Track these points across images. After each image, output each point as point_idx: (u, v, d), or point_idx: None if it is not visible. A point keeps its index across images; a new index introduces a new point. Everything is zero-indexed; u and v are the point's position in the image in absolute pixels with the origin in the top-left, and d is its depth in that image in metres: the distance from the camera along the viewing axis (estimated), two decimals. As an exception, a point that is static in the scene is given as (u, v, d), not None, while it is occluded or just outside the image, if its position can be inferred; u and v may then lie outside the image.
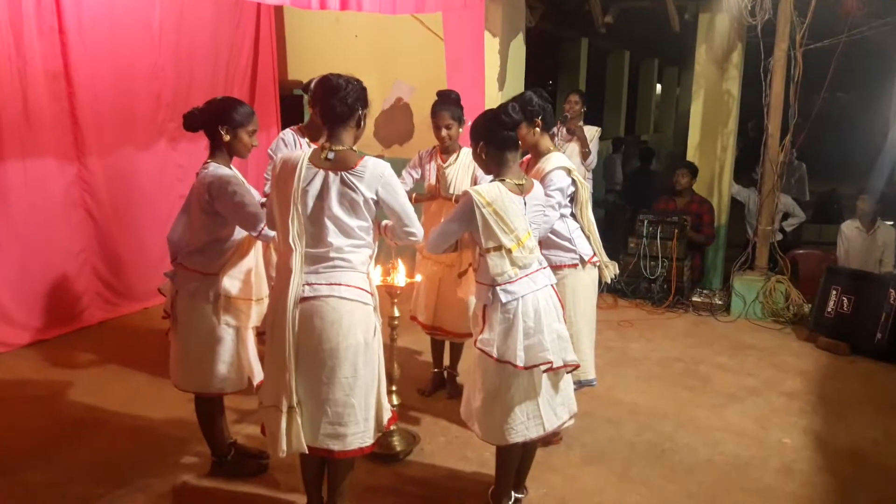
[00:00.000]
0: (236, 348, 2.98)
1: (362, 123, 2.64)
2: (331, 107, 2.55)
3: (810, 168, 8.00)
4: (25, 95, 4.57)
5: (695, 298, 5.83)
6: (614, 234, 7.22)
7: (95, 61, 4.98)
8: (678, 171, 6.42)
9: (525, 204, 2.76)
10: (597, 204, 9.54)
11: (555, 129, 5.93)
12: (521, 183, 2.78)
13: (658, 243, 5.89)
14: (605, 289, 5.94)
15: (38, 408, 3.85)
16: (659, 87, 15.53)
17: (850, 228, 5.78)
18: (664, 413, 3.94)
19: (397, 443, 3.42)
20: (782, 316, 5.49)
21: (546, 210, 3.04)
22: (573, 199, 3.36)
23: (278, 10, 6.89)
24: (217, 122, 2.90)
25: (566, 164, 3.28)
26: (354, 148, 2.60)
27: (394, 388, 3.36)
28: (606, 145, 10.42)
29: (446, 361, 4.11)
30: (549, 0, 7.04)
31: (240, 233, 2.95)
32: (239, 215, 2.84)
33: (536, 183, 2.91)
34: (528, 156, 3.41)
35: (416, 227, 2.64)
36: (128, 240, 5.29)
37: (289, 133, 3.85)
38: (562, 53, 10.64)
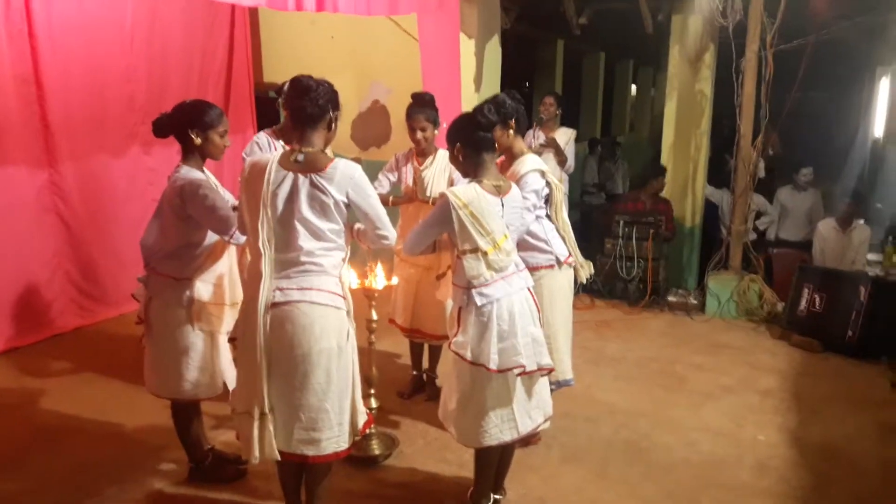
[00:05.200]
0: (210, 354, 2.96)
1: (333, 126, 2.62)
2: (301, 108, 2.53)
3: (787, 164, 8.09)
4: (-8, 99, 4.50)
5: (670, 298, 5.89)
6: (591, 234, 7.28)
7: (66, 65, 4.91)
8: (659, 177, 6.42)
9: (503, 205, 2.77)
10: (572, 205, 9.65)
11: (531, 133, 5.98)
12: (498, 184, 2.78)
13: (633, 244, 5.94)
14: (581, 289, 5.97)
15: (11, 416, 3.79)
16: (634, 87, 15.66)
17: (826, 227, 5.88)
18: (641, 412, 3.97)
19: (376, 446, 3.41)
20: (756, 315, 5.56)
21: (523, 211, 3.06)
22: (548, 200, 3.38)
23: (253, 12, 6.85)
24: (187, 125, 2.88)
25: (540, 166, 3.30)
26: (326, 150, 2.58)
27: (372, 391, 3.36)
28: (583, 146, 10.53)
29: (425, 364, 4.11)
30: (523, 2, 7.05)
31: (212, 237, 2.93)
32: (210, 219, 2.82)
33: (514, 185, 2.92)
34: (502, 158, 3.42)
35: (389, 230, 2.63)
36: (101, 245, 5.22)
37: (262, 136, 3.83)
38: (538, 55, 10.70)
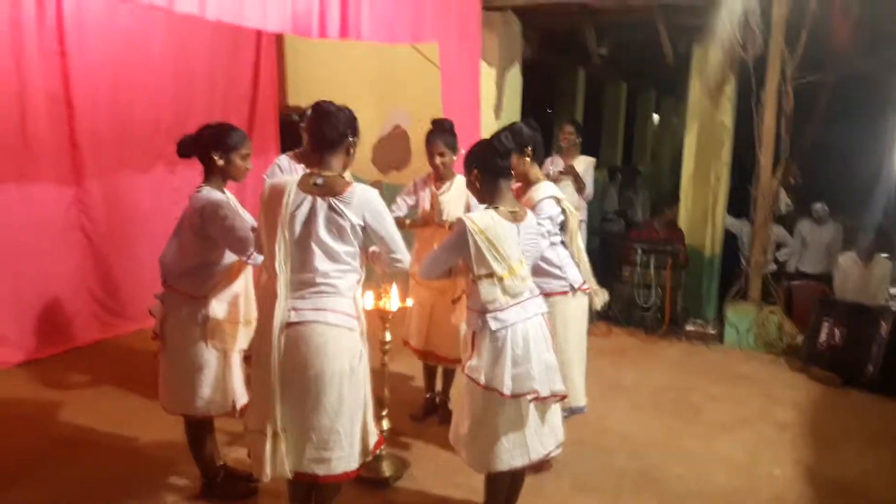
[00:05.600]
0: (223, 371, 3.00)
1: (352, 151, 2.68)
2: (321, 133, 2.60)
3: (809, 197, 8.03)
4: (24, 117, 4.65)
5: (688, 327, 5.85)
6: (610, 261, 7.26)
7: (96, 85, 5.06)
8: (672, 206, 6.43)
9: (518, 232, 2.79)
10: (592, 232, 9.63)
11: (550, 160, 6.02)
12: (514, 210, 2.81)
13: (651, 272, 5.92)
14: (598, 316, 5.96)
15: (28, 427, 3.84)
16: (657, 117, 15.68)
17: (847, 261, 5.82)
18: (655, 442, 3.93)
19: (387, 468, 3.41)
20: (775, 346, 5.50)
21: (538, 238, 3.08)
22: (563, 227, 3.40)
23: (279, 37, 6.99)
24: (210, 147, 2.95)
25: (555, 192, 3.33)
26: (344, 174, 2.63)
27: (384, 412, 3.37)
28: (603, 174, 10.55)
29: (439, 387, 4.12)
30: (544, 31, 7.13)
31: (230, 257, 2.98)
32: (229, 239, 2.88)
33: (530, 212, 2.95)
34: (518, 185, 3.45)
35: (403, 254, 2.66)
36: (123, 261, 5.32)
37: (284, 159, 3.90)
38: (559, 83, 10.77)
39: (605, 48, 7.23)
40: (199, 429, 3.12)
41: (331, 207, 2.50)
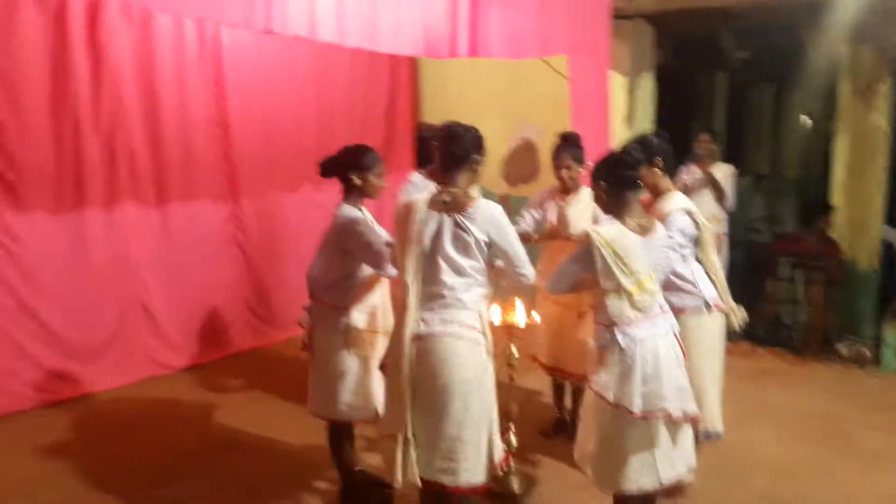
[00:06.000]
0: (364, 378, 3.16)
1: (477, 169, 2.76)
2: (449, 152, 2.71)
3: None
4: (188, 141, 5.14)
5: (841, 348, 5.43)
6: (756, 276, 6.88)
7: (248, 110, 5.50)
8: (825, 215, 5.99)
9: (647, 245, 2.75)
10: (736, 244, 9.17)
11: (686, 169, 5.84)
12: (642, 223, 2.78)
13: (799, 287, 5.56)
14: (737, 335, 5.66)
15: (189, 427, 4.22)
16: (808, 120, 14.69)
17: None
18: (799, 471, 3.71)
19: (515, 484, 3.44)
20: (943, 371, 5.01)
21: (668, 251, 3.01)
22: (696, 241, 3.29)
23: (413, 59, 7.25)
24: (348, 167, 3.15)
25: (687, 205, 3.25)
26: (469, 191, 2.71)
27: (512, 427, 3.39)
28: (748, 181, 10.05)
29: (568, 403, 4.09)
30: (679, 37, 6.92)
31: (368, 269, 3.15)
32: (365, 254, 3.05)
33: (659, 224, 2.89)
34: (648, 196, 3.39)
35: (527, 269, 2.70)
36: (274, 273, 5.72)
37: (417, 176, 4.06)
38: (698, 89, 10.38)
39: (745, 51, 6.91)
40: (340, 433, 3.31)
41: (456, 223, 2.59)
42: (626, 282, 2.67)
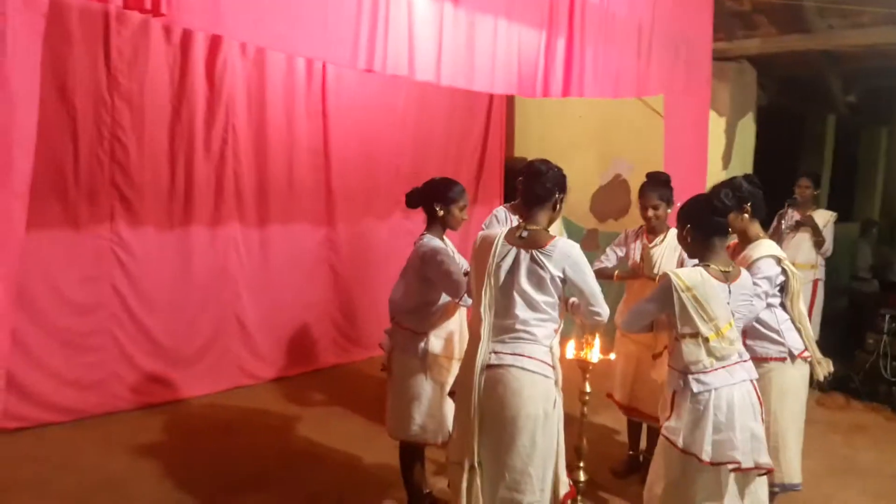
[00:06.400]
0: (439, 402, 3.24)
1: (558, 207, 2.83)
2: (531, 189, 2.79)
3: None
4: (291, 167, 5.46)
5: (945, 409, 5.10)
6: (855, 325, 6.54)
7: (348, 139, 5.79)
8: None
9: (730, 292, 2.73)
10: (839, 292, 8.73)
11: (786, 213, 5.67)
12: (727, 270, 2.76)
13: (902, 342, 5.28)
14: (834, 386, 5.44)
15: (271, 437, 4.43)
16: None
17: None
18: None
19: (581, 519, 3.43)
20: None
21: (752, 299, 2.97)
22: (783, 288, 3.22)
23: (510, 97, 7.39)
24: (433, 199, 3.29)
25: (776, 252, 3.19)
26: (549, 229, 2.78)
27: (581, 463, 3.39)
28: (855, 228, 9.59)
29: (643, 444, 4.04)
30: (783, 79, 6.76)
31: (446, 297, 3.26)
32: (444, 282, 3.16)
33: (744, 271, 2.86)
34: (735, 241, 3.35)
35: (602, 307, 2.72)
36: (362, 295, 5.94)
37: (501, 210, 4.15)
38: (805, 130, 10.02)
39: (852, 94, 6.66)
40: (411, 454, 3.40)
41: (533, 259, 2.65)
42: (703, 328, 2.66)
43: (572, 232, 7.00)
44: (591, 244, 6.68)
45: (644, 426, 3.99)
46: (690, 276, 2.70)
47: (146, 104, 4.62)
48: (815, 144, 9.90)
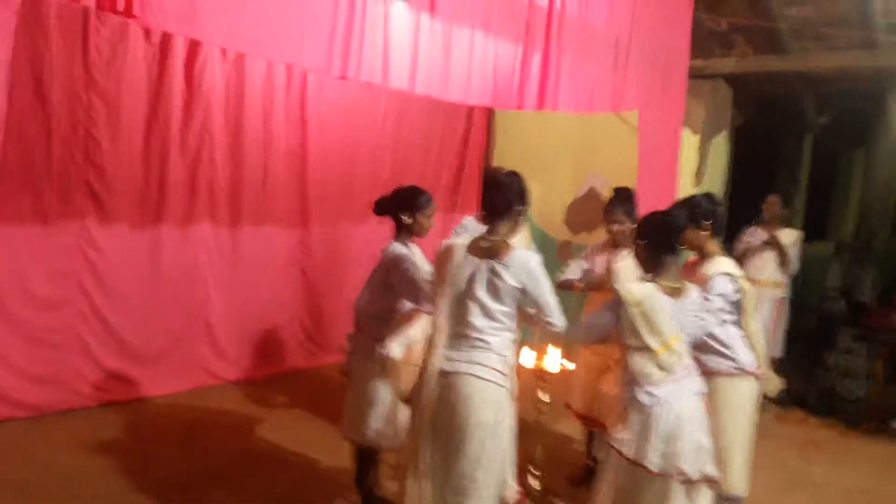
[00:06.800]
0: (395, 408, 3.28)
1: (519, 219, 2.89)
2: (493, 201, 2.85)
3: None
4: (267, 170, 5.49)
5: (896, 425, 5.21)
6: (824, 343, 6.67)
7: (327, 143, 5.82)
8: None
9: (678, 308, 2.80)
10: (808, 310, 8.88)
11: (752, 231, 5.79)
12: (675, 286, 2.83)
13: (861, 360, 5.39)
14: (792, 403, 5.56)
15: (230, 438, 4.44)
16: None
17: None
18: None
19: (534, 526, 3.49)
20: None
21: (703, 315, 3.04)
22: (737, 305, 3.31)
23: (490, 109, 7.45)
24: (400, 208, 3.34)
25: (730, 269, 3.27)
26: (510, 239, 2.84)
27: (535, 471, 3.43)
28: (828, 247, 9.78)
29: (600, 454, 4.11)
30: (758, 99, 6.90)
31: (410, 304, 3.30)
32: (406, 289, 3.21)
33: (694, 288, 2.93)
34: (695, 258, 3.44)
35: (557, 319, 2.78)
36: (332, 299, 5.96)
37: (471, 219, 4.22)
38: (782, 149, 10.18)
39: (826, 115, 6.81)
40: (366, 458, 3.44)
41: (492, 269, 2.71)
42: (651, 341, 2.73)
43: (546, 243, 7.09)
44: (565, 256, 6.75)
45: (602, 435, 4.06)
46: (640, 291, 2.77)
47: (123, 102, 4.63)
48: (791, 164, 10.06)
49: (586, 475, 4.07)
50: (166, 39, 4.76)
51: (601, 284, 3.94)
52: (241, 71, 5.21)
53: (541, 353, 3.37)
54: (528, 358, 3.33)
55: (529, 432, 3.39)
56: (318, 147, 5.76)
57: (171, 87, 4.84)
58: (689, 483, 2.72)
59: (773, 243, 5.56)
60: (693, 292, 2.90)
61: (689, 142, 6.16)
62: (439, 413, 2.70)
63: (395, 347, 3.28)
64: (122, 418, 4.54)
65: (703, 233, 3.31)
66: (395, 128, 6.34)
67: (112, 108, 4.59)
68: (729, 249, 6.11)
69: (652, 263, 2.89)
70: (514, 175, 3.06)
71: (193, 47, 4.90)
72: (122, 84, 4.61)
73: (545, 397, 3.43)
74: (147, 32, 4.67)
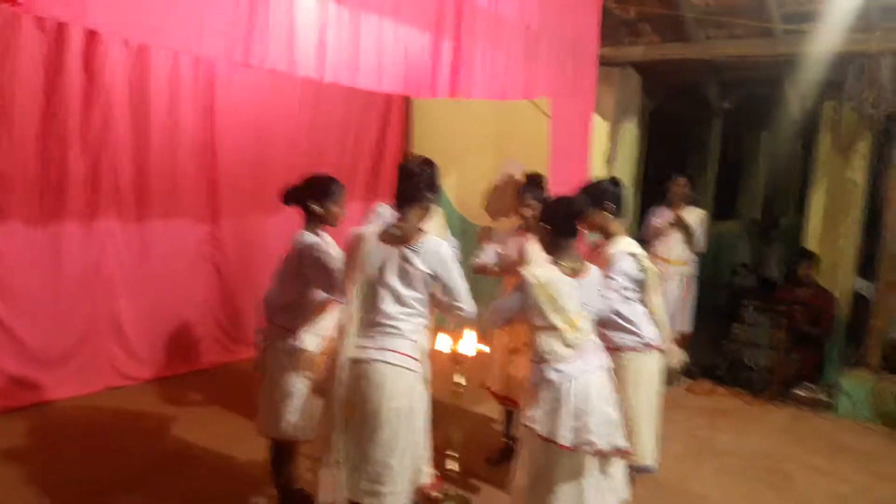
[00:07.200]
0: (311, 400, 3.23)
1: (429, 206, 2.91)
2: (403, 189, 2.87)
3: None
4: (174, 162, 5.32)
5: (799, 392, 5.50)
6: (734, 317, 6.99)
7: (237, 134, 5.67)
8: (800, 261, 6.17)
9: (579, 286, 2.90)
10: (720, 286, 9.29)
11: (660, 212, 6.01)
12: (575, 266, 2.93)
13: (764, 332, 5.68)
14: (702, 374, 5.82)
15: (144, 439, 4.31)
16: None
17: None
18: (734, 508, 3.80)
19: (453, 508, 3.55)
20: (893, 419, 5.07)
21: (606, 293, 3.17)
22: (641, 283, 3.43)
23: (407, 97, 7.44)
24: (309, 196, 3.31)
25: (632, 248, 3.39)
26: (421, 226, 2.86)
27: (453, 453, 3.49)
28: (738, 226, 10.26)
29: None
30: (666, 85, 7.13)
31: (321, 294, 3.28)
32: (320, 279, 3.18)
33: (593, 267, 3.04)
34: (601, 240, 3.54)
35: (466, 304, 2.82)
36: (247, 293, 5.82)
37: (385, 207, 4.21)
38: (692, 134, 10.56)
39: (729, 101, 7.10)
40: (282, 452, 3.40)
41: (402, 256, 2.73)
42: (556, 320, 2.81)
43: (467, 229, 7.16)
44: (486, 241, 6.82)
45: (518, 414, 4.15)
46: (543, 273, 2.87)
47: (16, 94, 4.40)
48: (701, 147, 10.47)
49: (504, 455, 4.15)
50: (62, 28, 4.55)
51: (514, 268, 4.02)
52: (145, 60, 5.02)
53: (456, 337, 3.42)
54: (443, 343, 3.37)
55: (446, 416, 3.45)
56: (229, 137, 5.62)
57: (70, 77, 4.62)
58: (601, 455, 2.81)
59: (678, 223, 5.79)
60: (593, 271, 3.01)
61: (601, 128, 6.31)
62: (352, 402, 2.70)
63: (308, 339, 3.26)
64: (28, 424, 4.35)
65: (607, 215, 3.42)
66: (310, 117, 6.23)
67: (6, 100, 4.36)
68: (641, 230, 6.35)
69: (553, 246, 2.99)
70: (425, 163, 3.08)
71: (92, 36, 4.69)
72: (15, 75, 4.38)
73: (461, 380, 3.49)
74: (41, 20, 4.45)
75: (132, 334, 5.18)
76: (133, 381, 5.16)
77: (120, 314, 5.11)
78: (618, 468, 2.94)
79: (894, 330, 5.67)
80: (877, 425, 5.12)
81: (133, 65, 4.98)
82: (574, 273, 2.91)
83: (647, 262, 3.42)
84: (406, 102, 7.44)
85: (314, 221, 3.34)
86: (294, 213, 6.25)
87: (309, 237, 3.29)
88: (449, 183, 7.18)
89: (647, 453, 3.41)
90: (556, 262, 2.93)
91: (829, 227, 6.19)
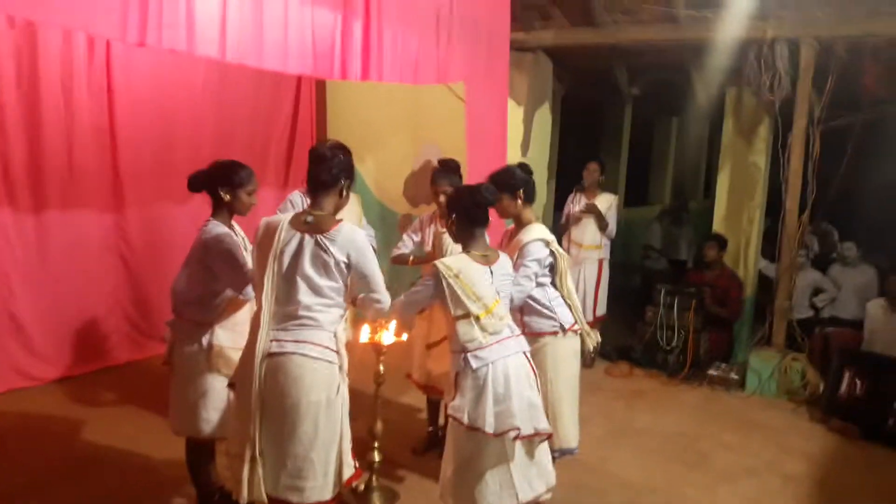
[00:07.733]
0: (227, 396, 3.11)
1: (344, 193, 2.82)
2: (315, 175, 2.76)
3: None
4: (71, 148, 5.00)
5: (711, 372, 5.72)
6: (646, 300, 7.19)
7: (139, 118, 5.38)
8: (706, 243, 6.39)
9: (492, 273, 2.91)
10: (633, 269, 9.57)
11: (573, 198, 6.11)
12: (485, 254, 2.94)
13: (675, 314, 5.86)
14: (619, 356, 5.96)
15: (53, 443, 4.07)
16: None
17: (875, 307, 5.60)
18: (654, 488, 3.90)
19: (376, 500, 3.49)
20: (797, 395, 5.35)
21: (520, 279, 3.22)
22: (553, 268, 3.45)
23: (319, 80, 7.25)
24: (218, 183, 3.14)
25: (544, 235, 3.40)
26: (335, 214, 2.77)
27: (376, 444, 3.43)
28: (650, 211, 10.58)
29: (442, 421, 4.17)
30: (577, 71, 7.22)
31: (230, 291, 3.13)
32: (226, 274, 3.04)
33: (503, 254, 3.06)
34: (512, 226, 3.55)
35: (382, 295, 2.78)
36: (157, 286, 5.54)
37: (297, 194, 4.08)
38: (604, 119, 10.79)
39: (637, 87, 7.26)
40: (200, 451, 3.27)
41: (317, 244, 2.64)
42: (473, 307, 2.81)
43: (386, 216, 7.07)
44: (405, 229, 6.76)
45: (442, 403, 4.11)
46: (455, 263, 2.87)
47: None
48: (613, 133, 10.72)
49: (429, 443, 4.14)
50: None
51: (432, 257, 3.97)
52: (33, 39, 4.68)
53: (376, 327, 3.34)
54: (364, 333, 3.29)
55: (368, 406, 3.38)
56: (130, 122, 5.31)
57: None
58: (524, 439, 2.82)
59: (589, 210, 5.90)
60: (503, 258, 3.03)
61: (515, 113, 6.33)
62: (268, 397, 2.61)
63: (220, 333, 3.12)
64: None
65: (518, 202, 3.42)
66: (217, 99, 5.97)
67: None
68: (558, 216, 6.44)
69: (462, 236, 2.99)
70: (337, 148, 2.96)
71: (-32, 13, 4.33)
72: None
73: (382, 370, 3.42)
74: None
75: (34, 332, 4.88)
76: (37, 382, 4.87)
77: (19, 311, 4.80)
78: (543, 452, 2.96)
79: (796, 309, 5.97)
80: (782, 401, 5.36)
81: (20, 44, 4.64)
82: (485, 260, 2.92)
83: (557, 247, 3.44)
84: (319, 85, 7.25)
85: (223, 210, 3.20)
86: (204, 202, 6.01)
87: (216, 227, 3.14)
88: (367, 169, 7.06)
89: (571, 436, 3.45)
90: (466, 251, 2.92)
91: (734, 209, 6.42)
